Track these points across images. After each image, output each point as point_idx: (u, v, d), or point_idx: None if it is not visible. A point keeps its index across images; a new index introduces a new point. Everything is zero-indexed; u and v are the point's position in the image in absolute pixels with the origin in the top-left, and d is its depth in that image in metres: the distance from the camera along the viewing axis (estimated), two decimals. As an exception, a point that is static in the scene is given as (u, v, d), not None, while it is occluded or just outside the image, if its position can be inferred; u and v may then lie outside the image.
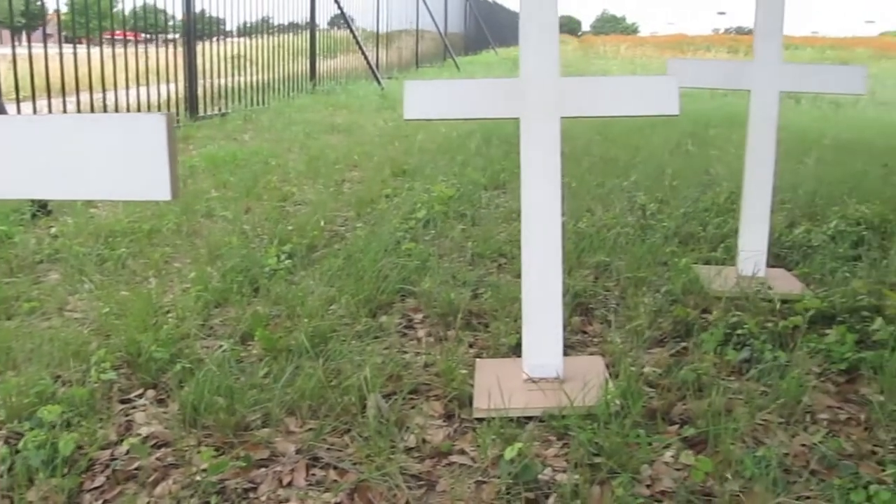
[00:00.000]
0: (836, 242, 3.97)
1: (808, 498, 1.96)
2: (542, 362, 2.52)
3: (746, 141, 3.44)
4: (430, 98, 2.52)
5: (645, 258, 3.65)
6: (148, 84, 8.14)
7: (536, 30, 2.44)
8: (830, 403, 2.47)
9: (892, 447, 2.20)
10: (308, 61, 12.32)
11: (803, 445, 2.20)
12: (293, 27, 12.00)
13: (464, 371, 2.60)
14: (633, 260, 3.64)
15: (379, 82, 13.17)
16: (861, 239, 4.07)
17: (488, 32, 29.94)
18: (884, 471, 2.06)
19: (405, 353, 2.81)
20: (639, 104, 2.51)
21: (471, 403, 2.41)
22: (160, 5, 8.90)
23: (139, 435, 2.29)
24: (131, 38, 8.53)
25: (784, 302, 3.17)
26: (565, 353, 2.68)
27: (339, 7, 13.03)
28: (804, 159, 6.44)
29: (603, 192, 5.23)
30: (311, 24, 12.30)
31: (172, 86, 8.52)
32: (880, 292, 3.12)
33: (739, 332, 2.83)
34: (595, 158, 6.64)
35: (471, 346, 2.88)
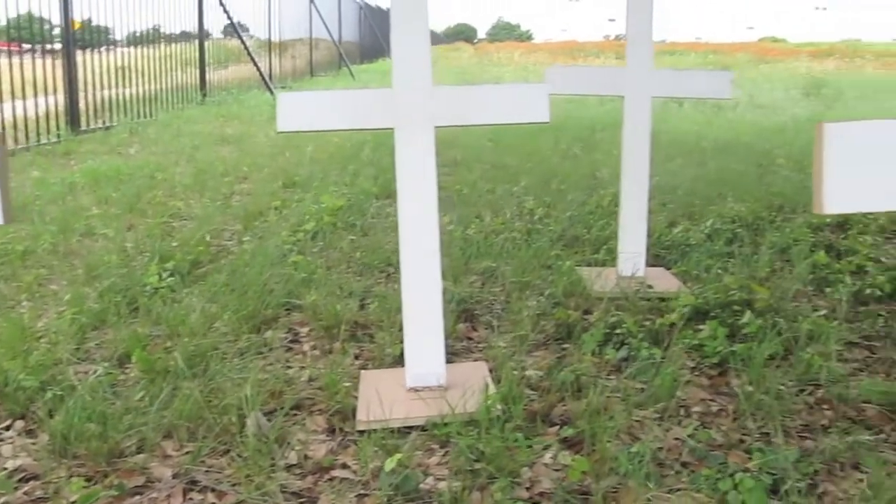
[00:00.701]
0: (712, 240, 4.14)
1: (679, 490, 2.03)
2: (424, 371, 2.53)
3: (622, 145, 3.54)
4: (304, 110, 2.49)
5: (530, 262, 3.71)
6: (24, 97, 7.78)
7: (407, 38, 2.45)
8: (703, 396, 2.56)
9: (758, 435, 2.30)
10: (198, 71, 12.04)
11: (676, 439, 2.28)
12: (185, 36, 11.71)
13: (348, 384, 2.58)
14: (519, 264, 3.70)
15: (271, 92, 12.98)
16: (735, 236, 4.26)
17: (383, 40, 29.97)
18: (751, 459, 2.15)
19: (289, 367, 2.77)
20: (511, 112, 2.55)
21: (354, 416, 2.39)
22: (42, 13, 8.51)
23: (5, 469, 2.17)
24: (9, 48, 8.14)
25: (662, 300, 3.28)
26: (449, 361, 2.70)
27: (228, 16, 12.79)
28: (685, 161, 6.69)
29: (493, 198, 5.30)
30: (200, 34, 12.03)
31: (52, 98, 8.18)
32: (750, 287, 3.27)
33: (618, 331, 2.90)
34: (487, 165, 6.73)
35: (356, 357, 2.86)
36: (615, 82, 3.50)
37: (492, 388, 2.45)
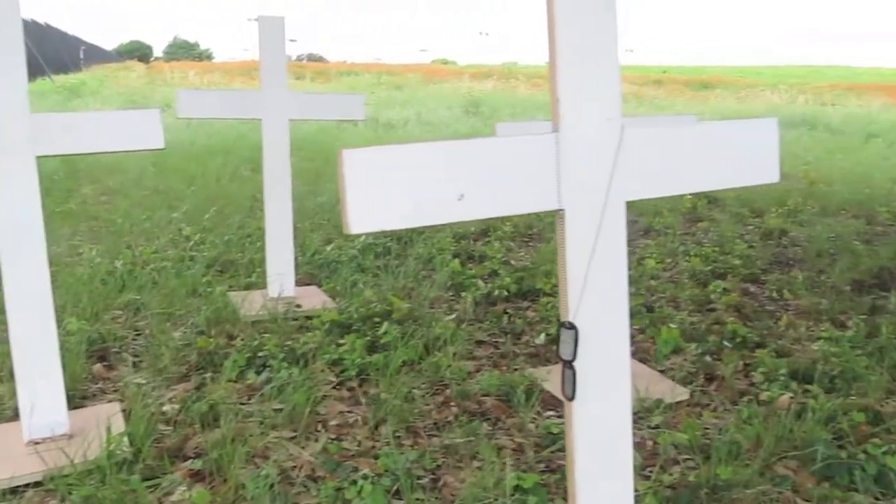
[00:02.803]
0: (363, 255, 4.31)
1: (308, 505, 2.07)
2: (43, 421, 2.33)
3: (263, 168, 3.56)
4: None
5: (178, 292, 3.60)
6: None
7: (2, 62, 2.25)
8: (342, 409, 2.65)
9: (388, 440, 2.42)
10: None
11: (311, 455, 2.33)
12: None
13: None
14: (166, 295, 3.57)
15: None
16: (386, 249, 4.47)
17: (42, 59, 27.40)
18: (377, 460, 2.26)
19: None
20: (123, 139, 2.44)
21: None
22: None
23: None
24: None
25: (309, 318, 3.34)
26: (80, 406, 2.53)
27: None
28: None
29: (149, 226, 5.07)
30: None
31: None
32: (389, 299, 3.44)
33: (261, 354, 2.91)
34: (147, 191, 6.43)
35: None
36: (251, 105, 3.51)
37: (118, 431, 2.32)
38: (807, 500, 2.14)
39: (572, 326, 1.32)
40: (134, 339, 3.20)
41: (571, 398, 1.35)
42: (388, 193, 1.18)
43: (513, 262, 4.37)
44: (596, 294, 1.35)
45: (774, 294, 4.00)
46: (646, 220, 5.68)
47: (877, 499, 2.16)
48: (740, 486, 2.16)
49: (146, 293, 3.60)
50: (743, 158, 1.51)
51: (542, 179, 1.29)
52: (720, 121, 1.54)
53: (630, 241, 5.04)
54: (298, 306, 3.46)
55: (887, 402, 2.75)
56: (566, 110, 1.29)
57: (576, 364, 1.33)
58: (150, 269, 3.95)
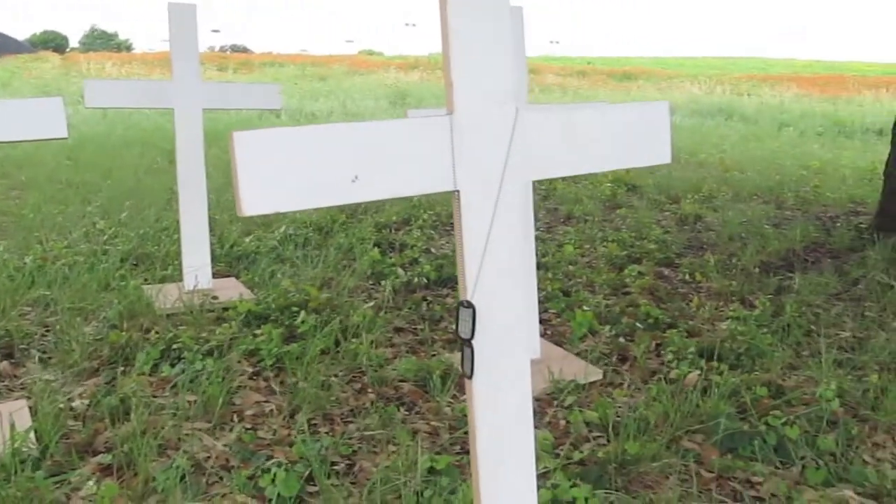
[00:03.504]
0: (282, 246, 4.28)
1: (220, 495, 2.05)
2: (-58, 420, 2.26)
3: (176, 160, 3.50)
4: None
5: (90, 286, 3.51)
6: None
7: None
8: (258, 399, 2.63)
9: (304, 428, 2.42)
10: None
11: (225, 445, 2.31)
12: None
13: None
14: (78, 290, 3.48)
15: None
16: (306, 240, 4.45)
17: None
18: (291, 448, 2.26)
19: None
20: (24, 128, 2.37)
21: None
22: None
23: None
24: None
25: (225, 309, 3.31)
26: (-18, 404, 2.45)
27: None
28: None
29: (61, 220, 4.92)
30: None
31: None
32: (306, 289, 3.43)
33: (175, 346, 2.86)
34: (61, 185, 6.24)
35: None
36: (161, 95, 3.44)
37: (24, 428, 2.26)
38: (710, 471, 2.23)
39: (470, 305, 1.35)
40: (43, 336, 3.12)
41: (470, 376, 1.38)
42: (280, 175, 1.18)
43: (433, 250, 4.40)
44: (493, 273, 1.38)
45: (687, 277, 4.12)
46: (566, 208, 5.79)
47: (777, 467, 2.27)
48: (647, 459, 2.23)
49: (56, 289, 3.50)
50: (636, 140, 1.55)
51: (437, 161, 1.31)
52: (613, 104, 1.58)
53: (550, 228, 5.12)
54: (215, 298, 3.42)
55: (789, 376, 2.88)
56: (459, 94, 1.31)
57: (474, 342, 1.36)
58: (62, 264, 3.84)
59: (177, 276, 3.78)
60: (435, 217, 5.22)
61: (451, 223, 5.24)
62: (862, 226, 5.25)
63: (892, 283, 3.92)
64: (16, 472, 2.06)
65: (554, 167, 1.47)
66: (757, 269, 4.23)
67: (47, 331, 3.16)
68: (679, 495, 2.08)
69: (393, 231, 4.84)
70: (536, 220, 5.14)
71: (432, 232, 4.82)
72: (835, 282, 3.96)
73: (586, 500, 1.95)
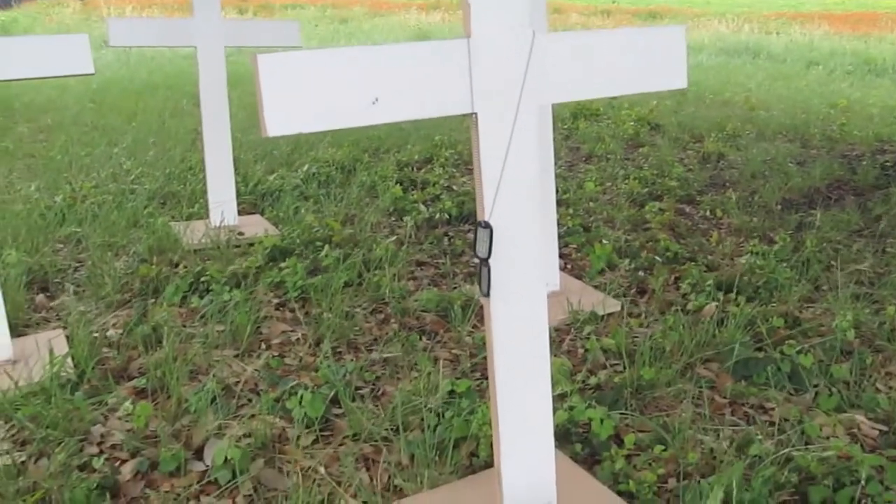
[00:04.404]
0: (305, 184, 4.33)
1: (253, 416, 2.14)
2: (-16, 347, 2.36)
3: (200, 98, 3.54)
4: None
5: (119, 224, 3.59)
6: None
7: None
8: (285, 328, 2.71)
9: (329, 355, 2.50)
10: None
11: (255, 370, 2.40)
12: None
13: None
14: (108, 227, 3.56)
15: None
16: (329, 178, 4.50)
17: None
18: (317, 373, 2.34)
19: None
20: (51, 65, 2.41)
21: None
22: None
23: None
24: None
25: (251, 245, 3.38)
26: (23, 334, 2.56)
27: None
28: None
29: (88, 161, 5.00)
30: None
31: None
32: (329, 224, 3.49)
33: (203, 279, 2.95)
34: (86, 128, 6.30)
35: None
36: (185, 33, 3.47)
37: (61, 355, 2.36)
38: (723, 397, 2.28)
39: (487, 226, 1.39)
40: (76, 270, 3.21)
41: (487, 294, 1.43)
42: (303, 97, 1.22)
43: (454, 187, 4.43)
44: (509, 195, 1.42)
45: (708, 213, 4.13)
46: (588, 147, 5.77)
47: (790, 394, 2.32)
48: (662, 385, 2.29)
49: (87, 226, 3.59)
50: (652, 64, 1.57)
51: (455, 84, 1.34)
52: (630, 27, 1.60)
53: (571, 167, 5.12)
54: (241, 234, 3.49)
55: (806, 308, 2.91)
56: (476, 17, 1.34)
57: (490, 261, 1.41)
58: (91, 202, 3.92)
59: (203, 214, 3.85)
60: (457, 155, 5.23)
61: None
62: (888, 164, 5.20)
63: (915, 218, 3.91)
64: (55, 394, 2.16)
65: (570, 90, 1.49)
66: (779, 206, 4.23)
67: (80, 265, 3.26)
68: (692, 417, 2.15)
69: (415, 169, 4.87)
70: (558, 158, 5.15)
71: (454, 170, 4.84)
72: (857, 218, 3.95)
73: (601, 420, 2.01)
